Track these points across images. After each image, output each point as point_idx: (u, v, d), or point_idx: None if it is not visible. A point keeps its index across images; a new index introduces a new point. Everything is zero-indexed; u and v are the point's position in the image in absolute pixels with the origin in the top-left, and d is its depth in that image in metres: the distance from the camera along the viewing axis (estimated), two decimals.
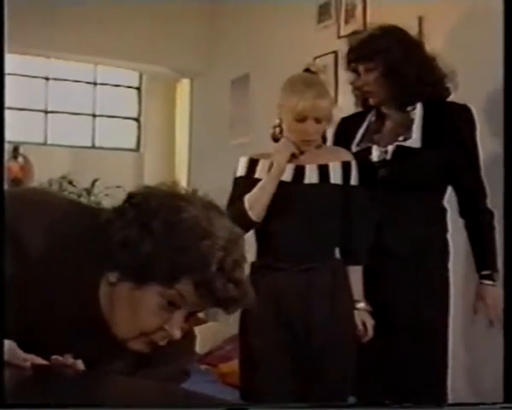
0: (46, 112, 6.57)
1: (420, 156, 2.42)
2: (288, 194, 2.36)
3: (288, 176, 2.39)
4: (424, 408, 1.92)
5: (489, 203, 2.48)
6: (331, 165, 2.40)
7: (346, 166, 2.41)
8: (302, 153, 2.40)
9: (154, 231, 1.21)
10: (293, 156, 2.38)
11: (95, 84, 6.83)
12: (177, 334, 1.26)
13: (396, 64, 2.44)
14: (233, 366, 4.00)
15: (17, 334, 1.19)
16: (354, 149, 2.52)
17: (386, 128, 2.53)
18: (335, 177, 2.39)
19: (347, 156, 2.45)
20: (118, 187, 6.19)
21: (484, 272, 2.43)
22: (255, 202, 2.35)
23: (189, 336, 1.34)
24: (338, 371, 2.34)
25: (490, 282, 2.41)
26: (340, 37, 4.30)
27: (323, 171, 2.39)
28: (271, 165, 2.39)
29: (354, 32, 2.54)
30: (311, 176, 2.39)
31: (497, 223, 2.38)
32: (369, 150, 2.49)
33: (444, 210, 2.53)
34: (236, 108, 5.44)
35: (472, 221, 2.49)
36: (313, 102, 2.30)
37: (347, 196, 2.38)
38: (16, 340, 1.19)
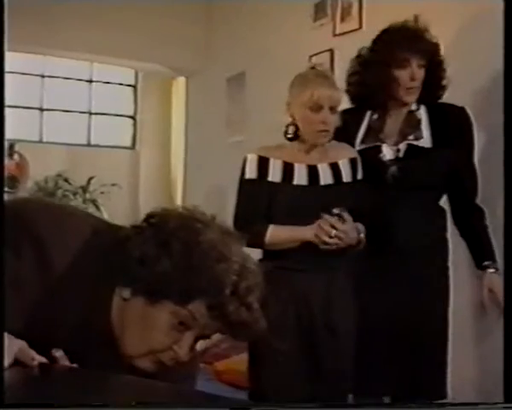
0: (42, 109, 6.57)
1: (430, 156, 2.44)
2: (304, 197, 2.35)
3: (302, 178, 2.36)
4: (426, 408, 1.92)
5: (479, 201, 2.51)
6: (341, 163, 2.40)
7: (353, 163, 2.41)
8: (315, 146, 2.38)
9: (172, 250, 1.23)
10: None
11: (90, 81, 6.83)
12: (185, 356, 1.26)
13: (437, 64, 2.48)
14: (228, 363, 4.00)
15: (24, 333, 1.20)
16: (358, 146, 2.52)
17: (389, 127, 2.52)
18: (346, 175, 2.39)
19: (353, 153, 2.45)
20: (113, 185, 6.21)
21: (486, 263, 2.44)
22: (277, 243, 2.33)
23: (193, 361, 1.34)
24: (348, 370, 2.35)
25: (494, 270, 2.42)
26: (335, 35, 4.31)
27: (336, 170, 2.38)
28: (284, 165, 2.37)
29: (405, 22, 2.51)
30: (326, 176, 2.37)
31: (497, 222, 2.39)
32: (378, 149, 2.48)
33: (444, 210, 2.55)
34: (232, 106, 5.44)
35: (465, 219, 2.52)
36: (329, 91, 2.31)
37: (354, 192, 2.38)
38: (22, 339, 1.20)
